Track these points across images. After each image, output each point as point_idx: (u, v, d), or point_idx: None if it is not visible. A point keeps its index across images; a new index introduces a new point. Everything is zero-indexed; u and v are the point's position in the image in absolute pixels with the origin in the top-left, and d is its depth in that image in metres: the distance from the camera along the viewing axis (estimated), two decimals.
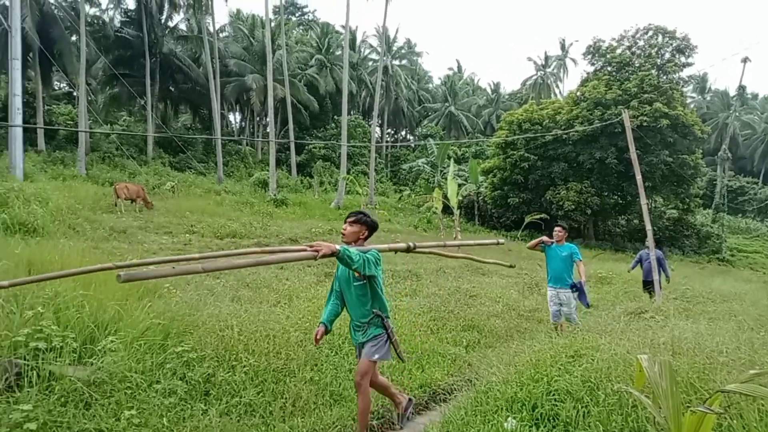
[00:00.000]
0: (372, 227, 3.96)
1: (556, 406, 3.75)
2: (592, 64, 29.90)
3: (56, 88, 40.50)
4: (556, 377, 4.08)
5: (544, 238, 7.27)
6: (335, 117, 46.00)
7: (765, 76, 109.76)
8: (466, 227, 28.07)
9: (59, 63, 29.04)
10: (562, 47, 57.19)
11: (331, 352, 5.13)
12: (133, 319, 4.91)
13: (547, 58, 56.66)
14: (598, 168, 27.16)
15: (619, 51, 28.65)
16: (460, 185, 23.92)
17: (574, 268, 7.18)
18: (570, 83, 73.73)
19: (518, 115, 29.90)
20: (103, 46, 32.22)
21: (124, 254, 10.30)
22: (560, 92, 54.24)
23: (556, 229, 7.29)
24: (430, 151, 38.89)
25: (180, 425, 3.62)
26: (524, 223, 26.56)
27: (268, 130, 47.13)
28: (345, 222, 3.97)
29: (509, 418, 3.68)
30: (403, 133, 62.69)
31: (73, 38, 31.00)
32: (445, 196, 22.48)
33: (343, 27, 49.08)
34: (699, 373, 3.60)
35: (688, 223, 30.73)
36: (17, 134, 20.16)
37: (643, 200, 9.88)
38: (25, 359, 4.13)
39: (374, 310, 3.84)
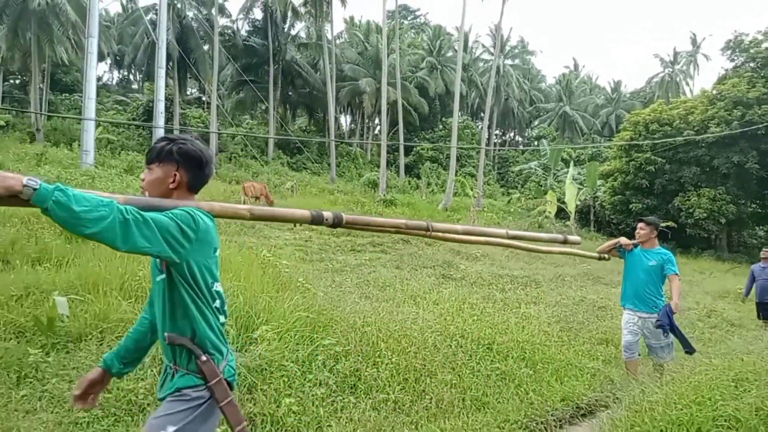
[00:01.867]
0: (193, 164, 2.03)
1: None
2: (732, 60, 27.11)
3: (188, 93, 44.53)
4: (721, 402, 3.76)
5: (622, 239, 5.52)
6: (443, 119, 46.00)
7: None
8: (581, 233, 26.72)
9: (195, 70, 31.92)
10: (693, 42, 52.62)
11: (466, 356, 5.13)
12: (282, 311, 5.26)
13: (676, 54, 52.42)
14: (736, 173, 24.60)
15: (764, 45, 25.72)
16: (578, 189, 22.85)
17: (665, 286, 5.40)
18: (701, 81, 67.79)
19: (645, 114, 27.89)
20: (232, 54, 34.85)
21: (255, 248, 10.98)
22: (691, 90, 49.89)
23: (639, 225, 5.51)
24: (542, 153, 37.55)
25: (335, 416, 3.81)
26: None
27: (377, 132, 48.27)
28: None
29: None
30: (512, 134, 61.15)
31: (206, 47, 33.87)
32: (561, 200, 21.59)
33: (455, 29, 49.05)
34: None
35: None
36: (160, 134, 22.40)
37: None
38: None
39: (178, 336, 1.92)
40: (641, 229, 5.41)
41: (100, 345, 4.61)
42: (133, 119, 33.92)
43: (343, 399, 4.03)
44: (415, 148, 41.14)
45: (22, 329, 4.85)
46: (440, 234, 2.97)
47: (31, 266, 7.01)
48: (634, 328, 5.31)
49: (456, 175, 30.88)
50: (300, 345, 4.60)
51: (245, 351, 4.54)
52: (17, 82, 38.36)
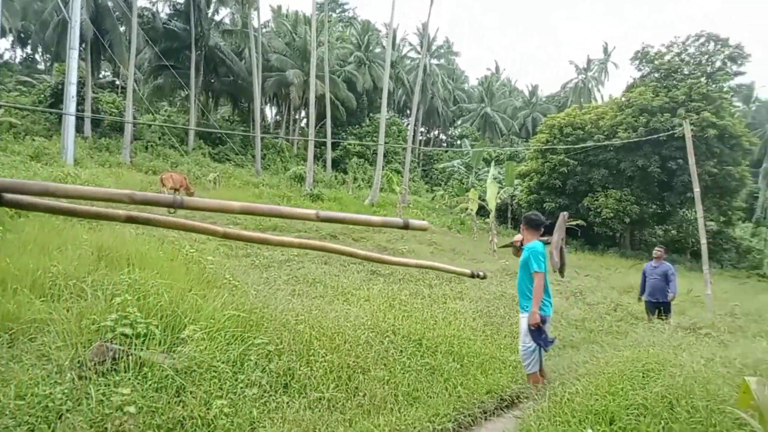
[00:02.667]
0: None
1: (635, 420, 3.77)
2: (639, 70, 29.29)
3: (101, 76, 41.73)
4: (632, 391, 4.10)
5: (517, 237, 5.31)
6: (371, 114, 46.18)
7: None
8: (499, 230, 27.90)
9: (110, 53, 29.93)
10: (605, 51, 56.22)
11: (397, 352, 5.23)
12: (211, 309, 5.10)
13: (589, 61, 55.75)
14: (640, 176, 26.66)
15: (668, 57, 28.00)
16: (497, 188, 23.80)
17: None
18: (610, 88, 72.41)
19: (560, 118, 29.51)
20: (151, 37, 33.00)
21: (177, 241, 10.54)
22: (601, 97, 53.31)
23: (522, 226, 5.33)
24: (464, 152, 38.74)
25: (269, 416, 3.77)
26: None
27: (303, 125, 47.66)
28: None
29: (588, 430, 3.73)
30: (437, 132, 62.54)
31: (123, 29, 31.85)
32: (482, 198, 22.41)
33: (384, 25, 49.34)
34: None
35: (728, 237, 29.88)
36: (70, 121, 20.86)
37: (700, 212, 9.74)
38: (113, 344, 4.34)
39: None
40: (522, 229, 5.24)
41: (10, 348, 4.27)
42: (40, 102, 31.28)
43: (277, 399, 4.00)
44: (342, 143, 41.06)
45: None
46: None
47: None
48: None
49: (382, 171, 31.16)
50: (231, 345, 4.49)
51: (172, 352, 4.37)
52: None
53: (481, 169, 35.45)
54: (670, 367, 4.39)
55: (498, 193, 23.04)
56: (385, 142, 35.74)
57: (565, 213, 5.79)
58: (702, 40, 27.96)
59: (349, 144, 41.29)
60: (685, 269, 25.70)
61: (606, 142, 26.04)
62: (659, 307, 8.65)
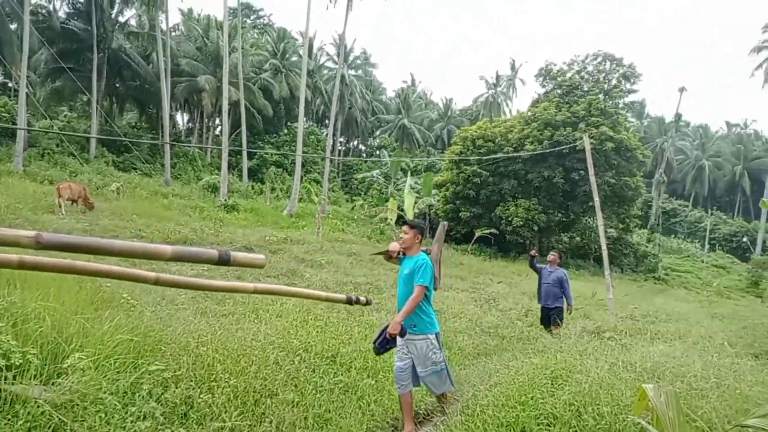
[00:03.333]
0: None
1: (545, 430, 3.80)
2: (543, 86, 31.05)
3: None
4: (541, 400, 4.15)
5: (392, 245, 4.64)
6: (288, 123, 45.55)
7: (697, 105, 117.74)
8: None
9: None
10: (512, 68, 59.09)
11: (309, 371, 5.00)
12: (100, 334, 4.62)
13: (498, 77, 58.34)
14: (546, 186, 28.14)
15: (569, 75, 29.90)
16: (415, 198, 24.17)
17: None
18: (519, 103, 76.62)
19: (472, 131, 30.56)
20: (47, 37, 30.53)
21: (71, 258, 9.67)
22: (510, 111, 55.93)
23: (404, 228, 4.70)
24: (383, 163, 39.09)
25: None
26: (474, 237, 27.11)
27: (218, 133, 46.07)
28: None
29: None
30: (356, 142, 62.79)
31: (14, 26, 29.25)
32: (401, 208, 22.62)
33: (299, 33, 48.86)
34: (684, 401, 3.74)
35: (626, 243, 32.24)
36: None
37: (600, 221, 10.28)
38: None
39: None
40: (404, 233, 4.52)
41: None
42: None
43: (173, 431, 3.64)
44: (259, 152, 40.06)
45: None
46: None
47: None
48: (401, 351, 4.52)
49: (301, 181, 30.69)
50: (121, 373, 4.06)
51: (51, 384, 3.88)
52: None
53: (399, 179, 35.91)
54: (576, 374, 4.50)
55: (416, 203, 23.37)
56: (304, 152, 35.30)
57: (445, 223, 5.75)
58: (599, 59, 30.13)
59: (266, 153, 40.39)
60: (589, 274, 27.40)
61: (514, 154, 27.28)
62: (551, 312, 8.37)
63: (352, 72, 53.78)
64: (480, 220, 28.84)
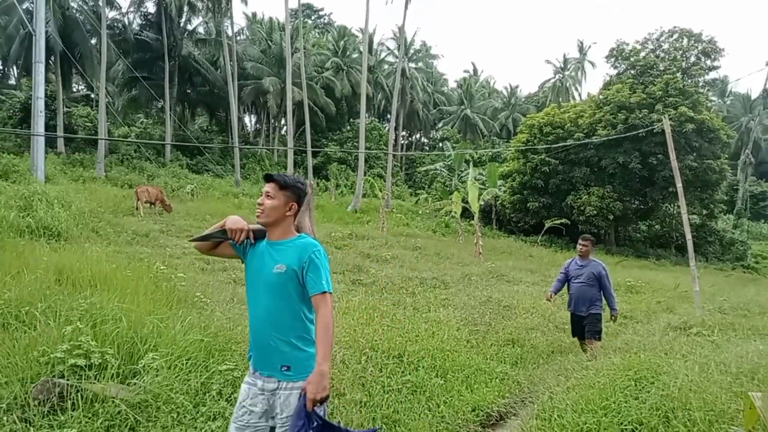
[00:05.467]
0: None
1: None
2: (615, 68, 29.46)
3: (75, 90, 40.88)
4: (625, 404, 3.83)
5: (231, 219, 2.66)
6: (351, 120, 45.93)
7: None
8: (484, 231, 27.75)
9: (80, 66, 29.27)
10: (580, 49, 56.64)
11: (377, 370, 4.90)
12: (173, 333, 4.73)
13: (565, 60, 56.12)
14: (621, 173, 26.74)
15: (643, 54, 28.18)
16: (480, 189, 23.63)
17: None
18: (588, 86, 73.30)
19: (539, 118, 29.52)
20: (122, 49, 32.38)
21: (149, 258, 10.12)
22: (579, 95, 53.68)
23: (267, 187, 2.62)
24: (447, 155, 38.61)
25: None
26: (544, 228, 26.21)
27: (283, 132, 47.23)
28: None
29: None
30: (418, 135, 62.48)
31: (93, 41, 31.20)
32: (465, 201, 22.20)
33: (360, 30, 49.11)
34: None
35: (711, 230, 30.11)
36: (39, 137, 20.20)
37: (683, 207, 9.55)
38: (64, 377, 3.95)
39: None
40: (267, 196, 2.56)
41: None
42: (9, 117, 30.53)
43: None
44: (324, 149, 40.69)
45: None
46: None
47: None
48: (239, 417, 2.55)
49: (365, 176, 30.87)
50: (192, 373, 4.13)
51: (127, 384, 4.00)
52: None
53: (463, 171, 35.33)
54: (663, 375, 4.13)
55: (481, 194, 22.86)
56: (366, 148, 35.49)
57: (310, 181, 3.85)
58: (675, 35, 28.20)
59: (330, 151, 40.95)
60: (671, 264, 25.79)
61: (586, 141, 26.07)
62: (586, 321, 6.30)
63: (413, 65, 53.44)
64: (550, 210, 27.85)
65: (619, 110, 26.19)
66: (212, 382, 4.05)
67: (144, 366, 4.07)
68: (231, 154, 34.36)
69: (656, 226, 30.74)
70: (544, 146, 26.84)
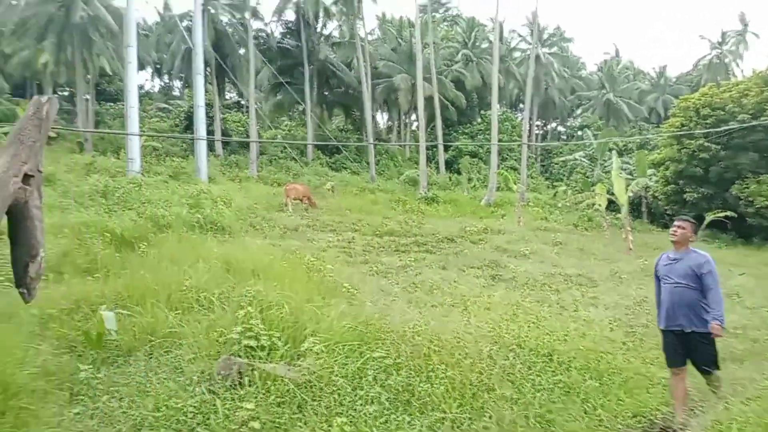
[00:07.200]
0: None
1: None
2: None
3: (227, 98, 45.29)
4: None
5: None
6: (482, 111, 45.19)
7: None
8: (634, 225, 25.65)
9: (232, 75, 32.37)
10: (742, 21, 49.87)
11: (525, 368, 4.79)
12: (329, 321, 5.06)
13: (723, 34, 49.83)
14: None
15: None
16: (627, 180, 21.88)
17: None
18: (752, 61, 64.15)
19: (695, 99, 26.49)
20: (267, 57, 35.14)
21: (300, 250, 10.86)
22: (741, 72, 47.35)
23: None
24: (588, 144, 36.35)
25: None
26: (704, 222, 23.53)
27: (414, 128, 47.92)
28: None
29: None
30: (554, 124, 59.63)
31: (241, 51, 34.26)
32: (611, 192, 20.75)
33: (490, 20, 48.10)
34: None
35: None
36: (202, 142, 22.74)
37: None
38: (239, 356, 4.43)
39: None
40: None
41: (149, 359, 4.53)
42: (176, 125, 34.75)
43: (397, 417, 3.78)
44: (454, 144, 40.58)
45: (73, 343, 4.85)
46: None
47: (82, 277, 7.11)
48: None
49: (498, 169, 30.23)
50: (349, 358, 4.38)
51: (293, 365, 4.36)
52: (66, 93, 39.65)
53: (607, 161, 32.98)
54: None
55: (629, 185, 21.22)
56: (499, 140, 34.69)
57: (49, 98, 2.34)
58: None
59: (462, 144, 40.69)
60: None
61: (753, 123, 22.88)
62: (691, 343, 4.39)
63: (546, 50, 51.04)
64: (711, 201, 24.89)
65: None
66: (367, 368, 4.25)
67: (306, 349, 4.41)
68: (366, 151, 35.69)
69: None
70: (703, 130, 24.03)
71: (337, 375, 4.10)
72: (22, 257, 1.62)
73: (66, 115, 35.67)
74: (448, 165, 38.84)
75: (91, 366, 4.33)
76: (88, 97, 32.47)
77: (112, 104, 38.20)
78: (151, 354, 4.59)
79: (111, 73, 32.68)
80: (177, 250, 8.20)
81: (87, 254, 7.96)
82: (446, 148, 39.98)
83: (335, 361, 4.29)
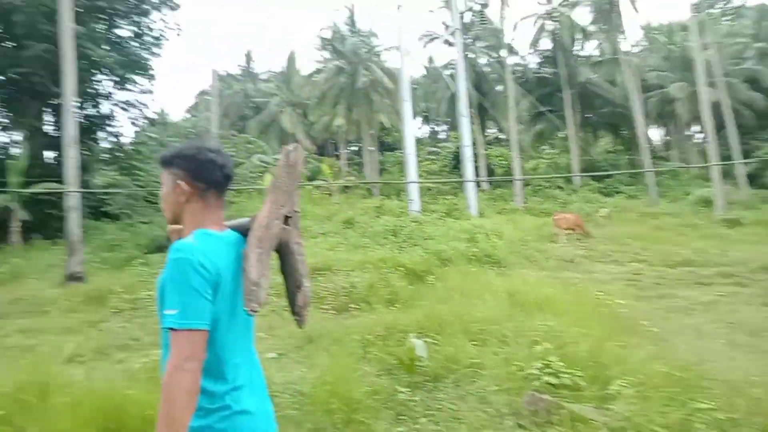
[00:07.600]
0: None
1: None
2: None
3: (488, 134, 46.78)
4: None
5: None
6: None
7: None
8: None
9: (492, 112, 33.45)
10: None
11: None
12: (635, 362, 4.66)
13: None
14: None
15: None
16: None
17: None
18: None
19: None
20: (525, 89, 35.29)
21: (580, 283, 10.34)
22: None
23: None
24: None
25: None
26: None
27: (697, 140, 41.77)
28: None
29: None
30: None
31: (498, 88, 35.16)
32: None
33: None
34: None
35: None
36: (469, 186, 23.86)
37: None
38: (540, 393, 4.38)
39: None
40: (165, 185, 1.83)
41: (457, 387, 4.82)
42: (444, 166, 37.36)
43: None
44: (757, 152, 33.82)
45: (389, 367, 5.49)
46: None
47: (385, 306, 8.09)
48: None
49: None
50: (668, 407, 3.92)
51: (601, 407, 4.11)
52: (355, 148, 47.17)
53: None
54: None
55: None
56: None
57: (295, 146, 1.97)
58: None
59: (765, 152, 33.62)
60: None
61: None
62: None
63: None
64: None
65: None
66: (693, 420, 3.74)
67: (615, 392, 4.12)
68: (641, 173, 32.42)
69: None
70: None
71: (656, 425, 3.72)
72: (290, 288, 1.93)
73: (357, 167, 41.86)
74: (752, 179, 32.41)
75: (408, 389, 4.83)
76: (372, 148, 37.48)
77: (390, 153, 43.21)
78: (458, 383, 4.88)
79: (389, 126, 37.10)
80: (462, 283, 8.70)
81: (387, 286, 9.06)
82: (747, 159, 33.53)
83: (651, 408, 3.90)
